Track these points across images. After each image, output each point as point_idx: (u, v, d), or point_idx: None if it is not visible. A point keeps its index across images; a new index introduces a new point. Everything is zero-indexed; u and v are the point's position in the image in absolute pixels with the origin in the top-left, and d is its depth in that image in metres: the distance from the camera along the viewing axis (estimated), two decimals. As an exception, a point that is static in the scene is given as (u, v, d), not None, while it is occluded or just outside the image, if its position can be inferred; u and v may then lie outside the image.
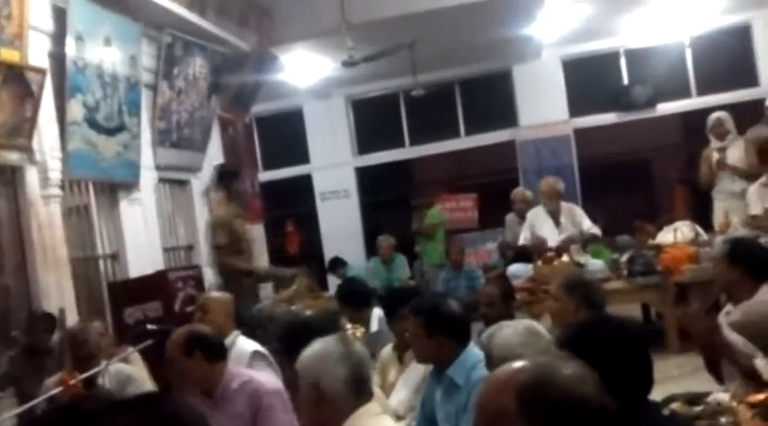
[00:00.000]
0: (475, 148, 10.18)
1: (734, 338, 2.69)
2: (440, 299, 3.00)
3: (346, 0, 6.29)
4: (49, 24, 4.79)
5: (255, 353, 3.37)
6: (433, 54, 8.49)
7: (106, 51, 5.15)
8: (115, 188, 5.57)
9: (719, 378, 2.89)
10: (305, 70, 8.48)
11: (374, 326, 4.21)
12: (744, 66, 9.54)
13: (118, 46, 5.26)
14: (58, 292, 4.62)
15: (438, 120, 10.28)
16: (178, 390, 2.90)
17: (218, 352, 2.94)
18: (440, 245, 8.43)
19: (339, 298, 4.38)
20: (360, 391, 2.20)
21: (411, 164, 10.82)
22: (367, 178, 10.55)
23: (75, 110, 4.87)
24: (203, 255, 6.59)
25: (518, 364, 1.23)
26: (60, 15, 4.79)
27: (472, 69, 9.89)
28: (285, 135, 10.50)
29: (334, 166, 10.31)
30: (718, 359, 2.75)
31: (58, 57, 4.79)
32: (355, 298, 4.33)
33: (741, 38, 9.53)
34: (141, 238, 5.74)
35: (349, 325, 4.21)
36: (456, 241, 8.34)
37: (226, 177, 5.24)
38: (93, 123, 5.04)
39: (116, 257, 5.57)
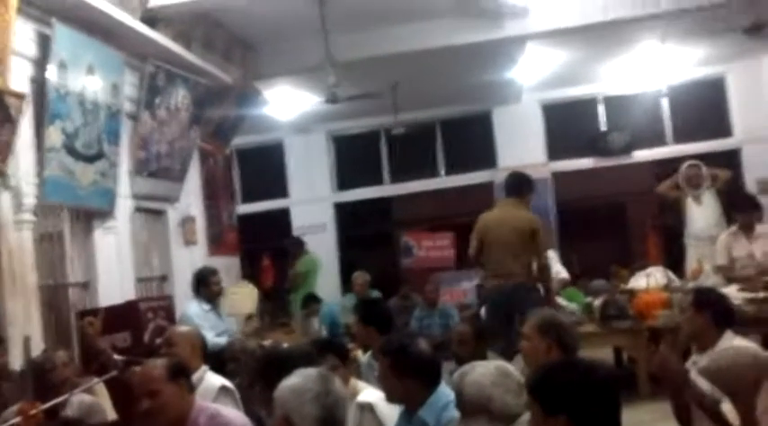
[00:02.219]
0: (454, 188, 10.25)
1: (702, 384, 2.70)
2: (409, 340, 2.96)
3: (331, 38, 6.37)
4: (32, 50, 4.79)
5: (222, 388, 3.32)
6: (414, 94, 8.61)
7: (88, 79, 5.14)
8: (90, 215, 5.51)
9: (684, 422, 2.89)
10: (287, 105, 8.53)
11: None
12: (718, 117, 9.78)
13: (100, 74, 5.26)
14: (24, 319, 4.52)
15: (418, 159, 10.36)
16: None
17: (191, 384, 2.91)
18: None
19: (364, 319, 4.09)
20: (331, 431, 2.18)
21: (390, 202, 10.85)
22: (345, 214, 10.56)
23: (54, 136, 4.84)
24: (176, 286, 6.52)
25: None
26: (44, 42, 4.79)
27: (453, 110, 10.02)
28: (265, 168, 10.51)
29: (312, 201, 10.32)
30: (686, 405, 2.76)
31: (39, 83, 4.78)
32: (382, 321, 4.07)
33: (716, 89, 9.78)
34: (114, 267, 5.66)
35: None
36: (431, 279, 8.33)
37: (519, 185, 5.62)
38: (71, 150, 5.01)
39: (87, 286, 5.48)
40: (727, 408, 2.44)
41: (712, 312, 3.09)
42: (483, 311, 5.68)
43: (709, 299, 3.19)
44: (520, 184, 5.61)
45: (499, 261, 5.32)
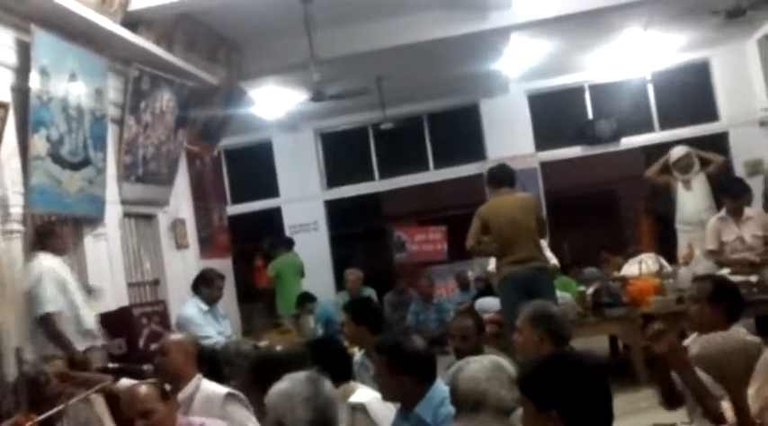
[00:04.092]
0: (444, 181, 10.26)
1: (701, 375, 2.68)
2: (403, 337, 2.95)
3: (315, 35, 6.35)
4: (12, 58, 4.74)
5: (229, 396, 3.22)
6: (401, 88, 8.60)
7: (71, 85, 5.10)
8: (79, 223, 5.48)
9: (671, 403, 2.81)
10: (274, 104, 8.50)
11: None
12: (704, 102, 9.82)
13: (83, 80, 5.21)
14: (16, 330, 4.50)
15: (407, 154, 10.36)
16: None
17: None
18: (287, 296, 8.18)
19: (355, 319, 4.08)
20: (323, 433, 2.18)
21: (380, 197, 10.85)
22: (336, 211, 10.56)
23: (39, 144, 4.80)
24: (169, 290, 6.50)
25: None
26: (24, 49, 4.75)
27: (440, 103, 10.02)
28: (254, 168, 10.49)
29: (303, 199, 10.31)
30: (672, 384, 2.70)
31: (21, 91, 4.73)
32: (374, 320, 4.06)
33: (700, 74, 9.82)
34: (105, 273, 5.63)
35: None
36: (425, 273, 8.34)
37: (511, 175, 5.81)
38: (57, 158, 4.97)
39: (79, 293, 5.45)
40: (725, 405, 2.42)
41: (728, 305, 2.97)
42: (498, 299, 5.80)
43: (726, 291, 3.04)
44: (511, 174, 5.85)
45: (518, 246, 5.37)
